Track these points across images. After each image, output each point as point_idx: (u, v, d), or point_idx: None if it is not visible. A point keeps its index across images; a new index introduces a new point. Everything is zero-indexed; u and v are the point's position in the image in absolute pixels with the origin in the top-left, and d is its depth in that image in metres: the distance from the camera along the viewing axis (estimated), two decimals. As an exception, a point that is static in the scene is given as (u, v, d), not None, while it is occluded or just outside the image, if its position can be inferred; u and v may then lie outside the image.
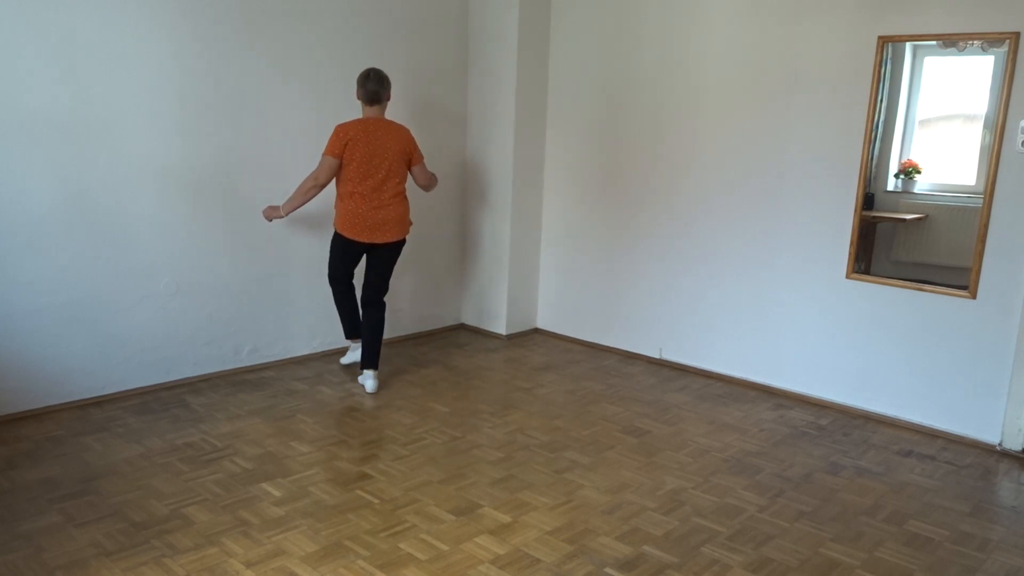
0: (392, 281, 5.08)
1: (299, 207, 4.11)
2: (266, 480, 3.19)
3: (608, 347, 5.17)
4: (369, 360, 4.22)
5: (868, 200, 4.04)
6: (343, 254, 4.19)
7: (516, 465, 3.43)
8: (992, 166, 3.61)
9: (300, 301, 4.66)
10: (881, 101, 3.94)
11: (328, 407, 4.00)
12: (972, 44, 3.69)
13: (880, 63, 3.87)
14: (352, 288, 4.36)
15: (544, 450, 3.59)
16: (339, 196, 4.08)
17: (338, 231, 4.11)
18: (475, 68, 5.24)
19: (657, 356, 4.95)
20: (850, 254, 4.09)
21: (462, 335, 5.41)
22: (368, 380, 4.22)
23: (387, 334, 5.15)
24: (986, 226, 3.67)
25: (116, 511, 2.90)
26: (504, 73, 5.07)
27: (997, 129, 3.59)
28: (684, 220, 4.69)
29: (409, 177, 4.22)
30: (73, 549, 2.65)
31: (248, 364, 4.48)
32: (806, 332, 4.29)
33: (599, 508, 3.07)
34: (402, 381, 4.42)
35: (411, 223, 4.25)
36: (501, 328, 5.39)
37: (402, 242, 4.21)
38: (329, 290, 4.43)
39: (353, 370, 4.50)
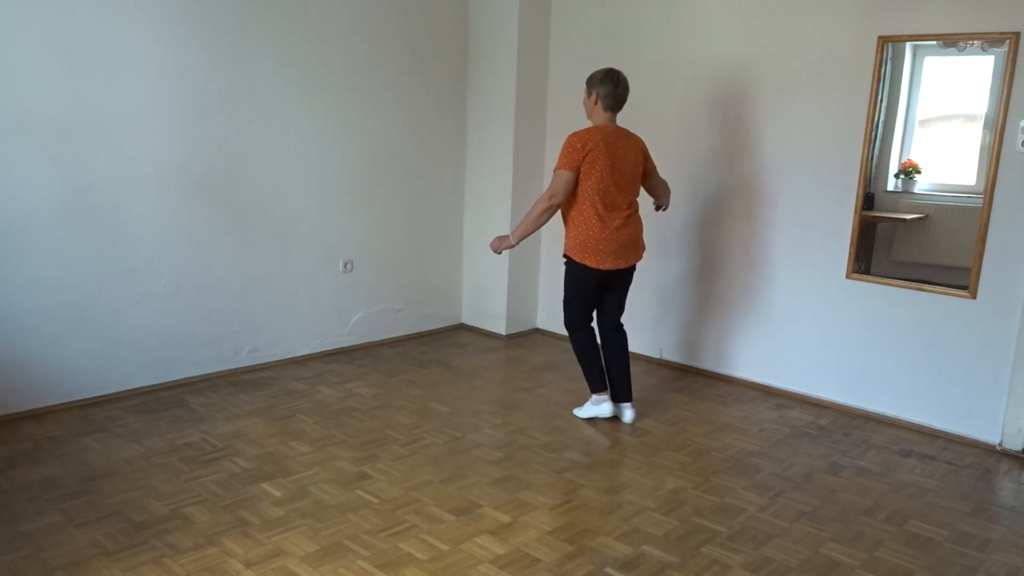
0: (392, 281, 5.11)
1: (531, 233, 3.72)
2: (266, 480, 3.19)
3: (608, 347, 5.16)
4: (625, 392, 3.91)
5: (868, 200, 4.04)
6: (588, 288, 3.72)
7: (516, 465, 3.43)
8: (992, 166, 3.61)
9: (300, 301, 4.66)
10: (881, 101, 3.93)
11: (328, 407, 4.00)
12: (972, 44, 3.69)
13: (880, 63, 3.87)
14: (594, 330, 3.89)
15: (544, 450, 3.59)
16: (571, 218, 3.64)
17: (577, 261, 3.64)
18: (475, 68, 5.24)
19: (657, 356, 4.95)
20: (850, 254, 4.08)
21: (462, 335, 5.40)
22: (626, 411, 3.93)
23: (386, 334, 5.16)
24: (986, 226, 3.67)
25: (116, 511, 2.90)
26: (504, 73, 5.07)
27: (997, 129, 3.59)
28: (683, 220, 4.69)
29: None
30: (73, 549, 2.65)
31: (248, 364, 4.48)
32: (806, 332, 4.29)
33: (599, 508, 3.07)
34: (402, 381, 4.42)
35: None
36: (501, 328, 5.39)
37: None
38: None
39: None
